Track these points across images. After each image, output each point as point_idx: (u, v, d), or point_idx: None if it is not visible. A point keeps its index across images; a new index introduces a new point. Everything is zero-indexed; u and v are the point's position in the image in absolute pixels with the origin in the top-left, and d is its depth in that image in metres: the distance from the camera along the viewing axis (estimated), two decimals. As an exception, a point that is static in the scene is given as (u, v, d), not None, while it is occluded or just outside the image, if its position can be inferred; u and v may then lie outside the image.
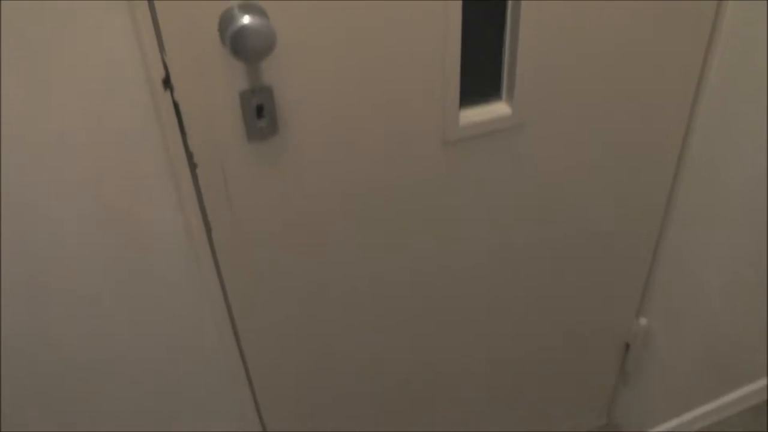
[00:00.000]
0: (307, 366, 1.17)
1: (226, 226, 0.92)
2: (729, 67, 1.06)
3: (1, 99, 0.69)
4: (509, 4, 0.90)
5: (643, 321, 1.43)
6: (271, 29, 0.72)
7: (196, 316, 0.97)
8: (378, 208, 1.01)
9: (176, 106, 0.78)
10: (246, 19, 0.70)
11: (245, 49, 0.71)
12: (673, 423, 1.68)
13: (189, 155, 0.83)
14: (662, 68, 1.04)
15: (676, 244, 1.29)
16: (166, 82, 0.76)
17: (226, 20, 0.72)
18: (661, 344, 1.46)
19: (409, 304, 1.17)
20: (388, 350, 1.22)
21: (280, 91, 0.82)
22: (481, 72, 0.96)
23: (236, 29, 0.70)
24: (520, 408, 1.53)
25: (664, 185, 1.22)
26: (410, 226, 1.06)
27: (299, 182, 0.92)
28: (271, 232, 0.96)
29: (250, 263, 0.98)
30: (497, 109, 0.98)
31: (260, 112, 0.82)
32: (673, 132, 1.14)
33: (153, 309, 0.93)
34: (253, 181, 0.89)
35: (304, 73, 0.83)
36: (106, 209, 0.81)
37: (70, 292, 0.87)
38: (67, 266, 0.84)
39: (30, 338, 0.88)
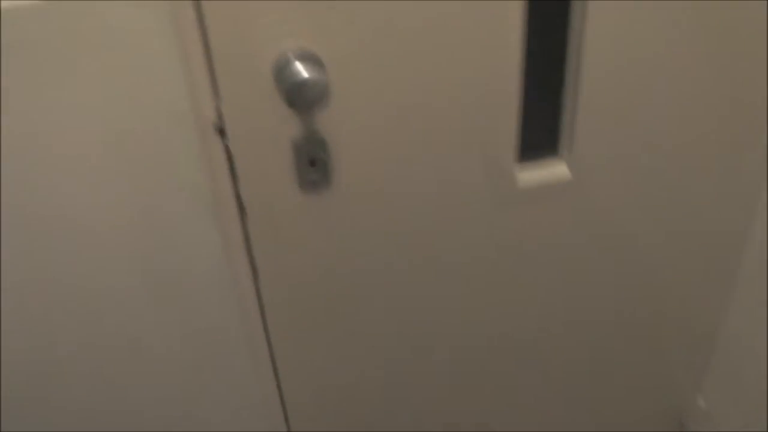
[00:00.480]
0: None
1: (273, 273, 0.91)
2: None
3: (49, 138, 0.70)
4: (570, 56, 0.88)
5: (701, 402, 1.36)
6: (324, 81, 0.71)
7: (240, 366, 0.96)
8: (430, 265, 0.99)
9: (228, 151, 0.78)
10: (300, 72, 0.70)
11: (299, 100, 0.71)
12: None
13: (239, 201, 0.83)
14: (735, 135, 1.00)
15: (739, 322, 1.22)
16: (219, 128, 0.76)
17: (280, 68, 0.72)
18: (719, 428, 1.38)
19: (460, 364, 1.14)
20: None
21: (334, 141, 0.82)
22: (539, 128, 0.93)
23: (290, 81, 0.69)
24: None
25: (730, 260, 1.16)
26: (462, 286, 1.03)
27: (349, 234, 0.91)
28: (318, 280, 0.94)
29: (296, 310, 0.97)
30: (555, 170, 0.95)
31: (313, 162, 0.81)
32: (743, 205, 1.09)
33: (197, 358, 0.93)
34: (303, 230, 0.88)
35: (358, 124, 0.82)
36: (152, 251, 0.82)
37: (114, 335, 0.87)
38: (112, 307, 0.84)
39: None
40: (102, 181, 0.74)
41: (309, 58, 0.71)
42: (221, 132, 0.76)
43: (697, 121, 0.96)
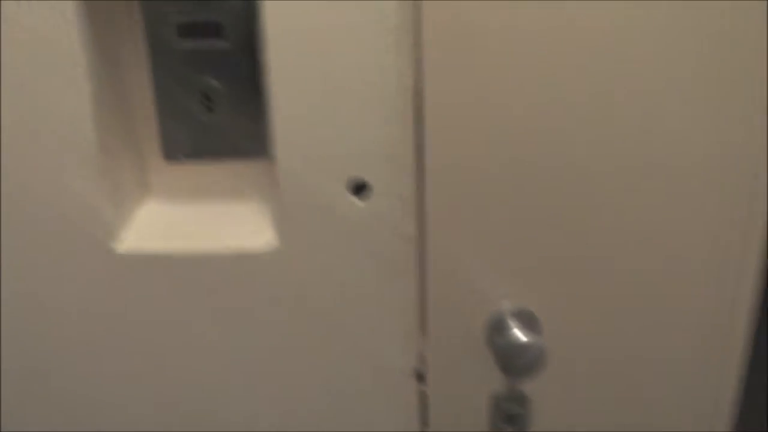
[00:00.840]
0: None
1: None
2: None
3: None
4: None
5: None
6: (542, 349, 0.66)
7: None
8: None
9: (423, 396, 0.75)
10: (517, 337, 0.65)
11: (511, 367, 0.66)
12: None
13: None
14: None
15: None
16: (419, 372, 0.73)
17: (494, 327, 0.68)
18: None
19: None
20: None
21: (536, 398, 0.75)
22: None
23: (504, 346, 0.65)
24: None
25: None
26: None
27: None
28: None
29: None
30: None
31: (510, 418, 0.76)
32: None
33: None
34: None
35: (565, 382, 0.75)
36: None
37: None
38: None
39: None
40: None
41: (527, 323, 0.67)
42: (419, 376, 0.73)
43: None
